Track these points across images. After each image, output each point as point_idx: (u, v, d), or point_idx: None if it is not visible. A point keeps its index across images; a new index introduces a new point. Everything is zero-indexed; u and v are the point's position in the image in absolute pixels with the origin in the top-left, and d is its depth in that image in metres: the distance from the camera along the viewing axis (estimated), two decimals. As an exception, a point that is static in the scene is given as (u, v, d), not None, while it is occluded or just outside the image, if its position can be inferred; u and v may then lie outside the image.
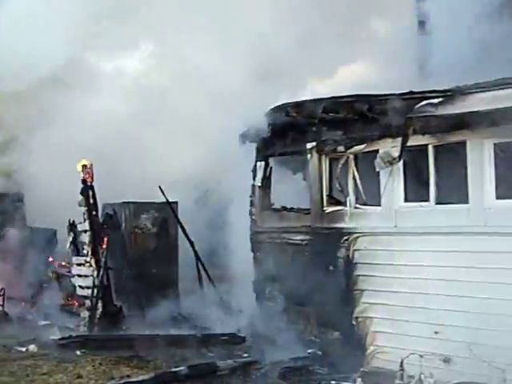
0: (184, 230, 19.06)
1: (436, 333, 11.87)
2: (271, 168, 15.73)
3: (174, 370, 13.17)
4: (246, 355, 14.75)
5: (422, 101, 11.40)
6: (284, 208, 15.31)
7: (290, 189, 15.81)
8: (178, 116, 20.48)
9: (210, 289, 18.63)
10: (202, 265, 18.97)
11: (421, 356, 11.71)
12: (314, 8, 19.54)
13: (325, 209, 14.05)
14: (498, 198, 11.36)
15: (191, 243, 18.97)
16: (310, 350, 13.98)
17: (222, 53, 20.53)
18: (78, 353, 14.57)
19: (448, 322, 11.69)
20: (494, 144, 11.39)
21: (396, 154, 12.34)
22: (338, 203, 13.92)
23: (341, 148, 13.64)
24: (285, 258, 14.80)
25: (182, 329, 16.55)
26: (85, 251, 17.50)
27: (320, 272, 13.82)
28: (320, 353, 13.88)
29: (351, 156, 13.54)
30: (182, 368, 13.17)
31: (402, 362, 11.78)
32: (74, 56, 21.16)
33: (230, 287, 17.77)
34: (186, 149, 19.93)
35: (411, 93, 11.55)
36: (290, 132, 14.68)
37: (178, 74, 21.13)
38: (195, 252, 19.00)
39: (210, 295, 18.31)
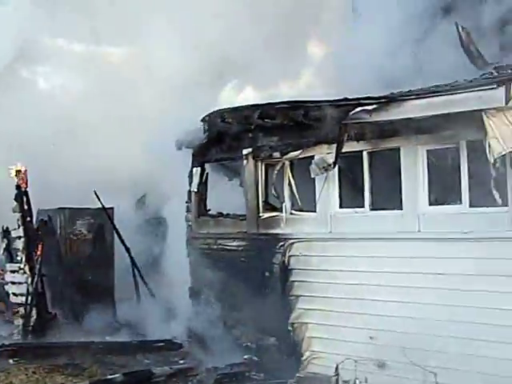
0: (120, 236, 18.90)
1: (371, 338, 11.96)
2: (207, 174, 15.71)
3: (109, 377, 13.08)
4: (182, 361, 14.72)
5: (356, 107, 11.47)
6: (220, 214, 15.30)
7: (226, 195, 15.81)
8: (114, 120, 20.31)
9: (147, 295, 18.50)
10: (139, 271, 18.83)
11: (356, 361, 11.80)
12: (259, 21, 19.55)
13: (261, 215, 14.09)
14: (430, 204, 11.51)
15: (127, 249, 18.82)
16: (246, 356, 13.97)
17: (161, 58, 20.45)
18: (11, 361, 14.35)
19: (383, 327, 11.78)
20: (427, 151, 11.53)
21: (331, 160, 12.41)
22: (274, 209, 13.96)
23: (276, 154, 13.69)
24: (221, 264, 14.78)
25: (118, 336, 16.41)
26: (19, 258, 17.24)
27: (256, 278, 13.84)
28: (256, 359, 13.88)
29: (287, 162, 13.59)
30: (117, 375, 13.09)
31: (337, 367, 11.89)
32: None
33: (167, 293, 17.65)
34: (123, 154, 19.76)
35: (346, 99, 11.63)
36: (226, 138, 14.66)
37: (115, 76, 20.97)
38: (131, 258, 18.85)
39: (146, 302, 18.19)
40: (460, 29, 13.67)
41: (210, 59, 19.98)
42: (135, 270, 18.85)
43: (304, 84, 19.57)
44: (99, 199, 18.61)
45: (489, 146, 10.19)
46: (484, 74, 11.20)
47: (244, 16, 19.61)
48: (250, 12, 19.64)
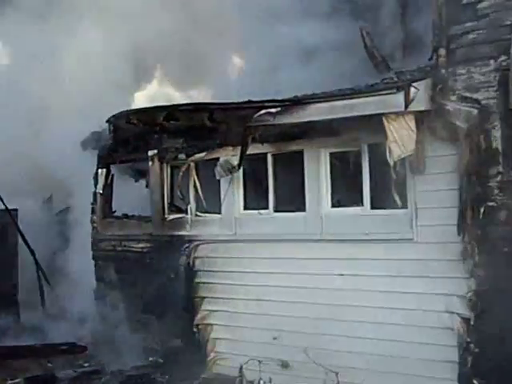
0: (24, 238, 18.58)
1: (274, 338, 12.09)
2: (113, 175, 15.61)
3: (9, 382, 12.85)
4: (86, 364, 14.54)
5: (260, 110, 11.55)
6: (125, 216, 15.22)
7: (131, 196, 15.73)
8: (22, 116, 19.91)
9: (52, 298, 18.23)
10: (43, 274, 18.55)
11: (260, 361, 11.89)
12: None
13: (166, 216, 14.08)
14: (333, 206, 11.70)
15: (32, 251, 18.51)
16: (151, 358, 13.93)
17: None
18: None
19: (286, 327, 11.93)
20: (330, 153, 11.72)
21: (236, 162, 12.48)
22: (180, 211, 13.96)
23: (182, 156, 13.69)
24: (126, 266, 14.72)
25: (22, 340, 16.11)
26: None
27: (161, 280, 13.82)
28: (161, 361, 13.84)
29: (192, 164, 13.60)
30: (18, 380, 12.87)
31: (241, 368, 11.93)
32: None
33: (72, 296, 17.43)
34: (28, 154, 19.40)
35: (250, 102, 11.70)
36: (132, 139, 14.60)
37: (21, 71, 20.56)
38: (36, 260, 18.55)
39: (51, 304, 17.93)
40: (364, 33, 13.86)
41: (126, 58, 19.75)
42: (39, 273, 18.56)
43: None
44: (2, 200, 18.26)
45: (389, 149, 10.43)
46: (385, 79, 11.41)
47: (164, 16, 19.45)
48: (170, 13, 19.48)
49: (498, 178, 9.99)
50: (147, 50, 19.81)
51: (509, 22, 9.83)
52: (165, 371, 13.51)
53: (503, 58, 9.89)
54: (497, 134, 10.01)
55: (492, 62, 10.04)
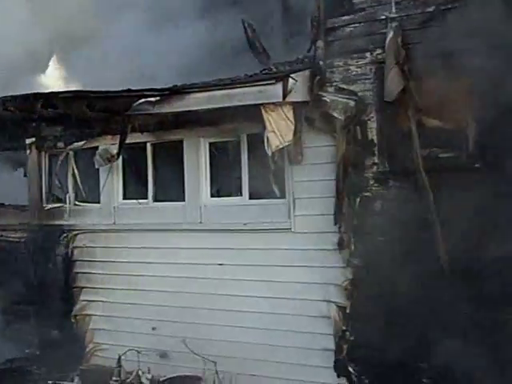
0: None
1: (153, 329, 12.05)
2: (-10, 163, 15.20)
3: None
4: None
5: (140, 99, 11.43)
6: (1, 204, 14.83)
7: (10, 185, 15.32)
8: None
9: None
10: None
11: (138, 352, 11.83)
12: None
13: (44, 206, 13.80)
14: (212, 196, 11.71)
15: None
16: (27, 351, 13.65)
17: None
18: None
19: (164, 317, 11.90)
20: (210, 143, 11.73)
21: (115, 151, 12.31)
22: (58, 200, 13.73)
23: (60, 144, 13.47)
24: (2, 256, 14.34)
25: None
26: None
27: (39, 270, 13.56)
28: (38, 353, 13.59)
29: (71, 153, 13.40)
30: None
31: (119, 359, 11.83)
32: None
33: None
34: None
35: (129, 90, 11.56)
36: (9, 126, 14.21)
37: None
38: None
39: None
40: (246, 25, 13.87)
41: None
42: None
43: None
44: None
45: (267, 139, 10.47)
46: (264, 70, 11.48)
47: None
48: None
49: (374, 169, 10.21)
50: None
51: (384, 17, 10.03)
52: (41, 363, 13.26)
53: (379, 51, 10.10)
54: (373, 125, 10.21)
55: (368, 54, 10.24)
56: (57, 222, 13.56)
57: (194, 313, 11.50)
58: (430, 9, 9.70)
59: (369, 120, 10.24)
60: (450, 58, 9.19)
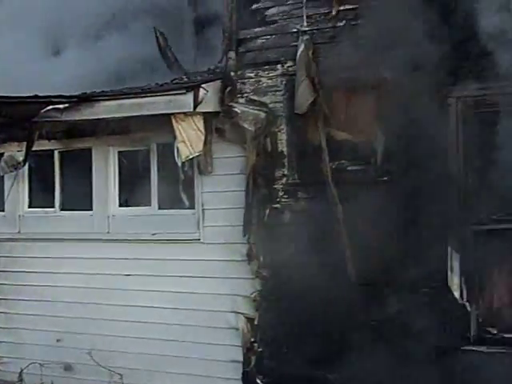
0: None
1: (58, 340, 11.82)
2: None
3: None
4: None
5: (48, 105, 11.22)
6: None
7: None
8: None
9: None
10: None
11: (41, 365, 11.60)
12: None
13: None
14: (120, 205, 11.57)
15: None
16: None
17: None
18: None
19: (69, 329, 11.67)
20: (119, 152, 11.59)
21: (21, 158, 12.04)
22: (-40, 208, 13.34)
23: (-37, 150, 13.09)
24: None
25: None
26: None
27: None
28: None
29: (-25, 159, 13.05)
30: None
31: (21, 373, 11.59)
32: None
33: None
34: None
35: (36, 97, 11.34)
36: None
37: None
38: None
39: None
40: (158, 33, 13.79)
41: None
42: None
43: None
44: None
45: (177, 149, 10.41)
46: (175, 79, 11.42)
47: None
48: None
49: (283, 181, 10.23)
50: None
51: (295, 30, 10.09)
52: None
53: (290, 63, 10.13)
54: (283, 137, 10.24)
55: (279, 66, 10.27)
56: (-42, 231, 13.19)
57: (101, 324, 11.32)
58: (341, 23, 9.80)
59: (279, 131, 10.26)
60: (358, 72, 9.29)
